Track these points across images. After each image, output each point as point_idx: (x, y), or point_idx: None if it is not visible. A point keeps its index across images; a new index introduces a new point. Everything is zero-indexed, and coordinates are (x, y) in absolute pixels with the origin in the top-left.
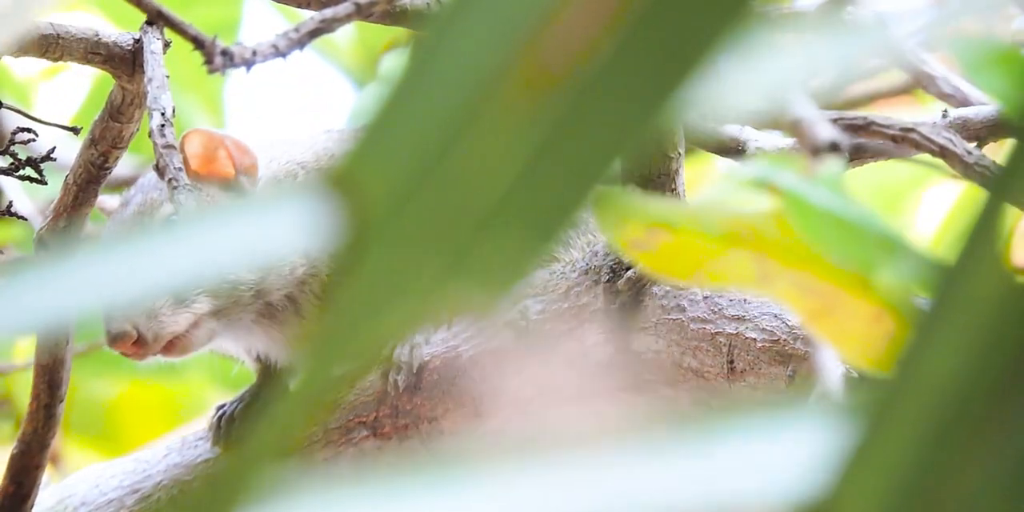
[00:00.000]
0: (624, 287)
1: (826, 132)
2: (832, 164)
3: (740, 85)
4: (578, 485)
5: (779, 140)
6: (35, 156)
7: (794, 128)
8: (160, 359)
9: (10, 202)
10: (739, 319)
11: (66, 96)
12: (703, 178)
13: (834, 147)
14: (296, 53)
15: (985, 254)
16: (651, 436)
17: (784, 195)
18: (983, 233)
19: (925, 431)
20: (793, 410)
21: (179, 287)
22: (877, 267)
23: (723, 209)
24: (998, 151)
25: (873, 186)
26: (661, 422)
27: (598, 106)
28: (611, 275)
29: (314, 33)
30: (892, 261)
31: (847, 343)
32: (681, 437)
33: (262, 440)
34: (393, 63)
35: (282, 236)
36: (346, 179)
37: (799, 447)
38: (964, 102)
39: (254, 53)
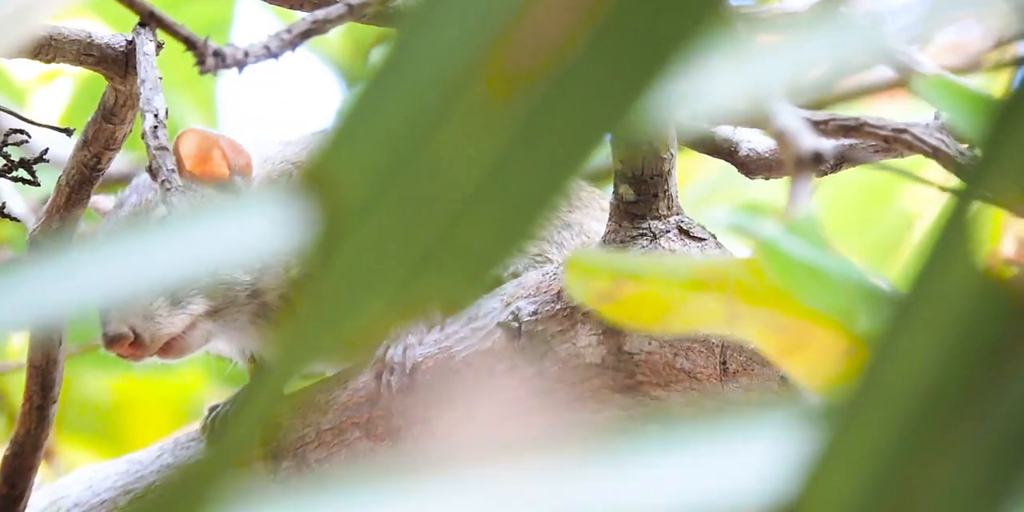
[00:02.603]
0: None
1: (809, 142)
2: (809, 211)
3: (721, 85)
4: (550, 490)
5: (772, 142)
6: (28, 157)
7: (778, 138)
8: (157, 360)
9: (3, 203)
10: None
11: (59, 97)
12: (694, 176)
13: (817, 158)
14: (288, 53)
15: (957, 249)
16: (624, 440)
17: (760, 245)
18: (955, 229)
19: (895, 428)
20: (763, 413)
21: (173, 286)
22: (853, 315)
23: (689, 259)
24: None
25: (867, 177)
26: (636, 426)
27: (569, 102)
28: None
29: (306, 34)
30: (868, 309)
31: (819, 378)
32: (655, 441)
33: (234, 437)
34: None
35: (270, 234)
36: (319, 175)
37: (770, 449)
38: None
39: (246, 54)
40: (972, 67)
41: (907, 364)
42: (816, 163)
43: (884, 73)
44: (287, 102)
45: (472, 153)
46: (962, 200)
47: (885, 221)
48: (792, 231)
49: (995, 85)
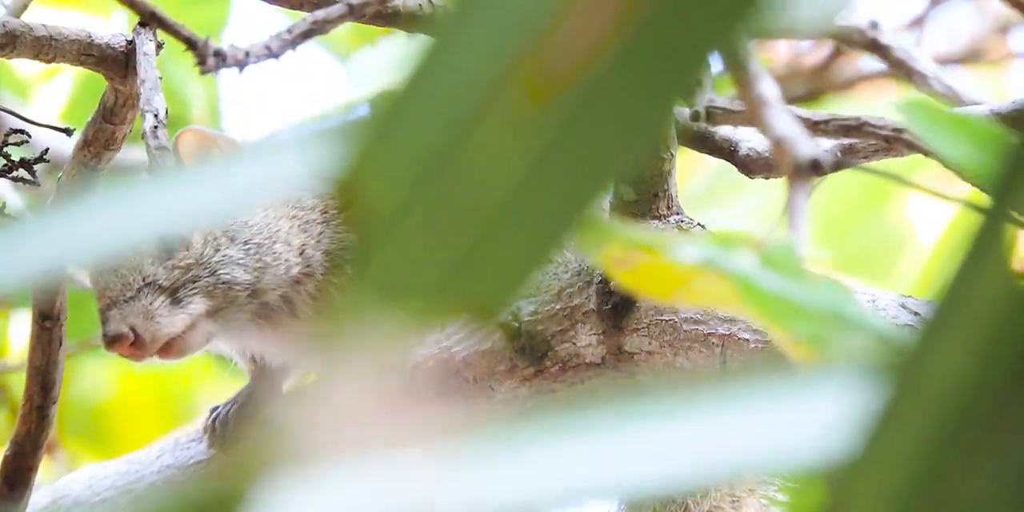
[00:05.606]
0: (617, 288)
1: (807, 150)
2: (783, 240)
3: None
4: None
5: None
6: (28, 157)
7: (775, 145)
8: (157, 360)
9: (3, 203)
10: (731, 320)
11: (60, 97)
12: (692, 173)
13: (815, 165)
14: (289, 52)
15: (989, 257)
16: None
17: (734, 281)
18: (987, 237)
19: (932, 432)
20: (820, 373)
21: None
22: (830, 341)
23: (701, 237)
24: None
25: (866, 178)
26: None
27: (603, 109)
28: (604, 276)
29: (307, 34)
30: (845, 335)
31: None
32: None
33: (264, 444)
34: (389, 53)
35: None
36: (353, 181)
37: (826, 409)
38: (956, 101)
39: (247, 54)
40: (970, 57)
41: (942, 371)
42: (814, 171)
43: (874, 64)
44: (292, 93)
45: (507, 158)
46: (995, 207)
47: (885, 222)
48: (767, 263)
49: (994, 77)
